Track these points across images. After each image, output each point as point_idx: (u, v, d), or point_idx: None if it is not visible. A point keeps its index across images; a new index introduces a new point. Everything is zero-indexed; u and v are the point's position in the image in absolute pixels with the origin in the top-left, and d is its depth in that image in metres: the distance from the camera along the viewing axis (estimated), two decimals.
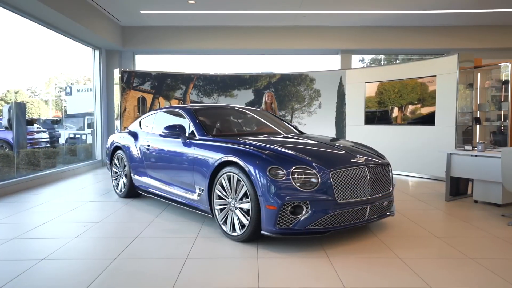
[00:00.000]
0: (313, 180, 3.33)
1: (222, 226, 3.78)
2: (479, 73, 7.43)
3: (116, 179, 5.85)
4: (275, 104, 6.97)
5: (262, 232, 3.40)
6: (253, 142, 3.89)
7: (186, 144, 4.38)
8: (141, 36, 10.25)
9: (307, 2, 8.23)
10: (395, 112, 8.29)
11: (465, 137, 7.28)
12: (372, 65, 12.22)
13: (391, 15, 9.24)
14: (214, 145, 4.02)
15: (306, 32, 10.23)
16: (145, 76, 9.25)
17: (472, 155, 5.19)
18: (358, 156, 3.77)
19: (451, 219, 4.52)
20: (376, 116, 8.54)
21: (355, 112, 8.83)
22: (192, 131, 4.47)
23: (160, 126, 5.08)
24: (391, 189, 3.91)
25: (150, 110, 9.22)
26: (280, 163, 3.40)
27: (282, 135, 4.65)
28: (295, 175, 3.33)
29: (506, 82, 7.17)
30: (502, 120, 7.38)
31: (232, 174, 3.64)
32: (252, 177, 3.41)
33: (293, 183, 3.29)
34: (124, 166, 5.58)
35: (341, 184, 3.42)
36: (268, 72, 9.75)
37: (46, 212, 4.89)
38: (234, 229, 3.65)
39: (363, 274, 2.89)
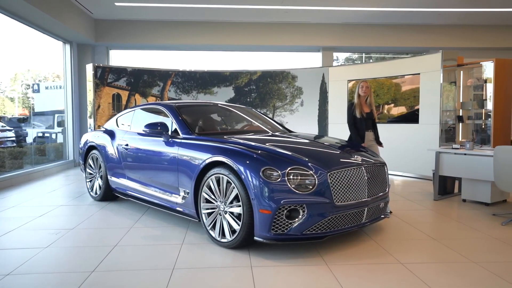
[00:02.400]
0: (310, 181, 3.10)
1: (210, 231, 3.49)
2: (461, 72, 7.44)
3: (90, 181, 5.45)
4: (372, 98, 5.04)
5: (255, 238, 3.15)
6: (243, 141, 3.62)
7: (168, 143, 4.06)
8: (116, 30, 9.76)
9: None
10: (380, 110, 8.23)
11: (447, 135, 7.27)
12: (346, 63, 12.16)
13: (372, 13, 9.17)
14: (201, 144, 3.73)
15: (287, 29, 10.03)
16: (120, 72, 8.79)
17: (461, 154, 5.11)
18: (354, 155, 3.58)
19: (445, 220, 4.41)
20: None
21: (338, 110, 8.70)
22: (175, 129, 4.15)
23: (140, 124, 4.75)
24: (387, 189, 3.74)
25: (125, 108, 8.79)
26: (274, 163, 3.15)
27: (269, 133, 4.41)
28: (291, 177, 3.09)
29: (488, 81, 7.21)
30: (483, 118, 7.43)
31: (221, 175, 3.37)
32: (244, 179, 3.14)
33: (289, 185, 3.05)
34: (100, 167, 5.20)
35: (339, 185, 3.20)
36: (242, 70, 9.42)
37: (13, 218, 4.45)
38: (223, 235, 3.38)
39: (367, 282, 2.69)
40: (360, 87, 4.92)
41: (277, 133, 4.46)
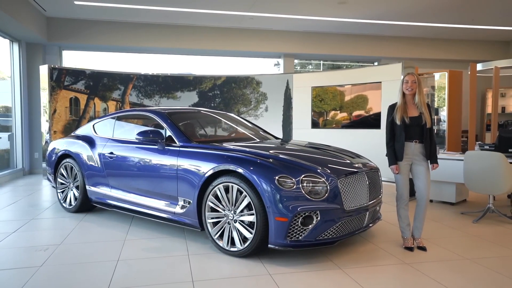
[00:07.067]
0: (322, 188, 3.20)
1: (217, 241, 3.45)
2: None
3: (63, 192, 5.08)
4: (423, 96, 3.56)
5: (269, 245, 3.17)
6: (249, 149, 3.63)
7: (164, 152, 3.94)
8: (70, 29, 9.18)
9: (259, 4, 8.12)
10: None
11: None
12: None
13: (331, 22, 9.53)
14: (204, 152, 3.67)
15: (250, 35, 10.11)
16: (78, 74, 8.28)
17: None
18: (354, 161, 3.75)
19: None
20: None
21: (301, 115, 8.94)
22: (169, 137, 4.04)
23: (124, 132, 4.55)
24: (381, 193, 3.96)
25: (84, 112, 8.32)
26: (288, 171, 3.20)
27: (262, 140, 4.44)
28: (304, 184, 3.16)
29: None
30: (435, 124, 8.09)
31: (230, 184, 3.34)
32: (258, 187, 3.16)
33: (303, 192, 3.12)
34: (75, 177, 4.87)
35: (347, 191, 3.34)
36: (206, 74, 9.34)
37: None
38: (233, 244, 3.35)
39: (386, 284, 2.83)
40: (404, 83, 3.54)
41: (271, 140, 4.52)
